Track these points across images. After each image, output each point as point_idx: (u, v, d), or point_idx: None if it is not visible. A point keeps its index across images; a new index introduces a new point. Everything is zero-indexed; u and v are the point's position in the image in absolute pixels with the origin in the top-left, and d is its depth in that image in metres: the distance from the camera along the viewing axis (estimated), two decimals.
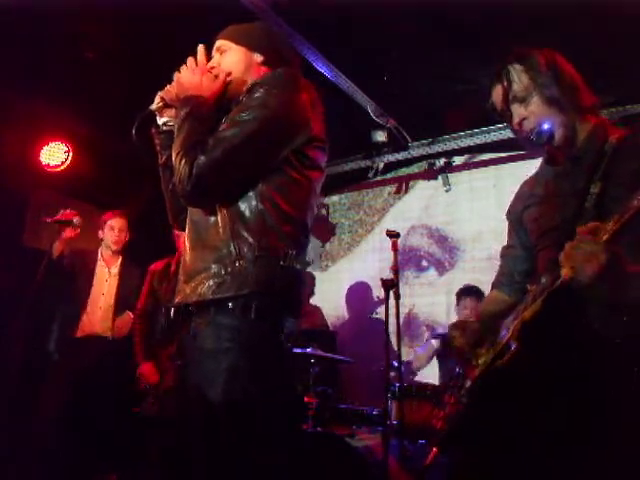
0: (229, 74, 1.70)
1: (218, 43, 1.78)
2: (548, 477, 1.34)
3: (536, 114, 1.49)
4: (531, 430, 1.37)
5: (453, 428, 1.45)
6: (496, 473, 1.42)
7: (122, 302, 3.95)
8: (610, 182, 1.37)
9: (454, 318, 4.48)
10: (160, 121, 1.76)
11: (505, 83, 1.52)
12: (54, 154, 4.53)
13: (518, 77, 1.51)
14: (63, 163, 4.54)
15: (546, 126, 1.48)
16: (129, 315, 3.90)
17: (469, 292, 4.06)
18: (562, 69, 1.51)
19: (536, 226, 1.56)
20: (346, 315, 5.30)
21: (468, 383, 1.46)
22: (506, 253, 1.73)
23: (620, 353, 1.31)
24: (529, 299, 1.37)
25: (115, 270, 4.05)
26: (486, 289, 4.57)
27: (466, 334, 1.54)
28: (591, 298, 1.29)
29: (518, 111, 1.52)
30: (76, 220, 3.71)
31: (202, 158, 1.45)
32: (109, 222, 4.03)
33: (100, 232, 4.04)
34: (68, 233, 3.71)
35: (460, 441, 1.49)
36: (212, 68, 1.72)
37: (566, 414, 1.33)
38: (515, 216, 1.68)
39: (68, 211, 3.72)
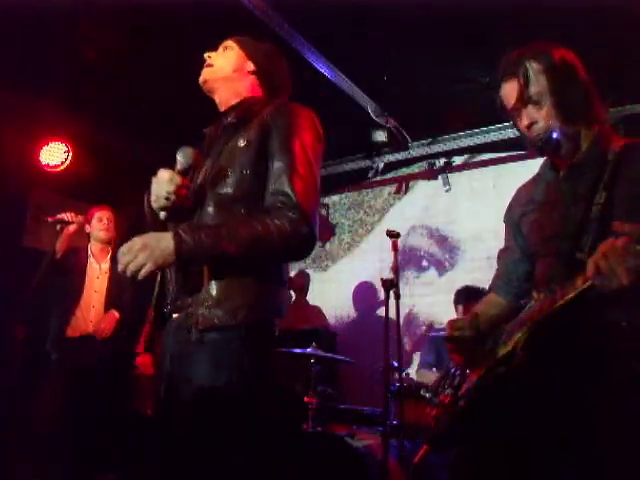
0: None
1: (228, 40, 1.88)
2: None
3: (547, 120, 1.45)
4: (538, 437, 1.35)
5: (448, 429, 1.44)
6: (496, 477, 1.41)
7: (113, 300, 3.91)
8: (615, 192, 1.34)
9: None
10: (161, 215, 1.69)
11: (522, 81, 1.46)
12: (54, 154, 4.52)
13: (536, 78, 1.45)
14: (63, 163, 4.53)
15: (555, 135, 1.44)
16: (114, 314, 3.84)
17: (475, 295, 4.01)
18: (579, 74, 1.47)
19: (536, 233, 1.53)
20: (346, 315, 5.30)
21: (465, 385, 1.44)
22: (503, 256, 1.71)
23: (632, 355, 1.29)
24: (535, 307, 1.33)
25: (105, 266, 4.01)
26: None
27: (465, 336, 1.52)
28: (612, 301, 1.24)
29: (530, 113, 1.47)
30: (78, 220, 3.73)
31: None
32: (97, 214, 4.02)
33: (87, 227, 4.00)
34: (70, 231, 3.71)
35: (456, 443, 1.48)
36: (209, 57, 1.84)
37: (576, 423, 1.31)
38: (512, 220, 1.66)
39: (70, 214, 3.72)
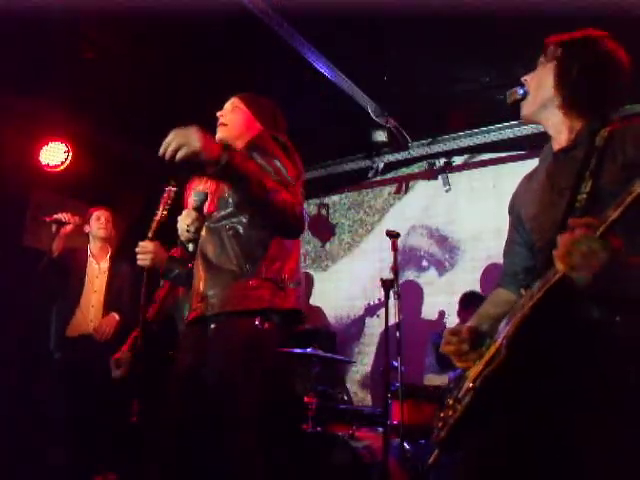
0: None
1: (235, 99, 2.20)
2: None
3: (527, 82, 1.56)
4: (525, 434, 1.37)
5: (452, 429, 1.44)
6: (491, 476, 1.42)
7: (112, 299, 3.94)
8: (600, 180, 1.33)
9: (455, 318, 4.47)
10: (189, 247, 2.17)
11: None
12: (54, 154, 4.53)
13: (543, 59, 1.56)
14: (63, 163, 4.54)
15: (520, 91, 1.56)
16: (114, 317, 3.86)
17: (473, 301, 4.05)
18: (582, 64, 1.47)
19: (532, 225, 1.53)
20: (346, 315, 5.30)
21: (466, 385, 1.44)
22: (508, 250, 1.69)
23: (616, 352, 1.29)
24: (519, 304, 1.35)
25: (105, 265, 4.05)
26: (486, 289, 4.55)
27: (463, 338, 1.51)
28: (587, 296, 1.26)
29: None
30: (74, 220, 3.75)
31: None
32: (95, 214, 4.07)
33: (87, 227, 4.04)
34: (66, 230, 3.73)
35: (459, 443, 1.49)
36: (221, 115, 2.14)
37: (561, 417, 1.32)
38: (515, 211, 1.65)
39: (67, 214, 3.73)
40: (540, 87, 1.51)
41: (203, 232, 2.04)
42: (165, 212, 2.18)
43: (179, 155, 1.61)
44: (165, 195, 2.21)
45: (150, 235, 2.20)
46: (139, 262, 2.19)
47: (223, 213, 1.99)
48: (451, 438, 1.45)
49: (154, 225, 2.19)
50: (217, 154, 1.64)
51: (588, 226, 1.13)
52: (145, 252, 2.18)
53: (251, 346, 1.87)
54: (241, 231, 1.95)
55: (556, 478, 1.34)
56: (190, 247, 2.09)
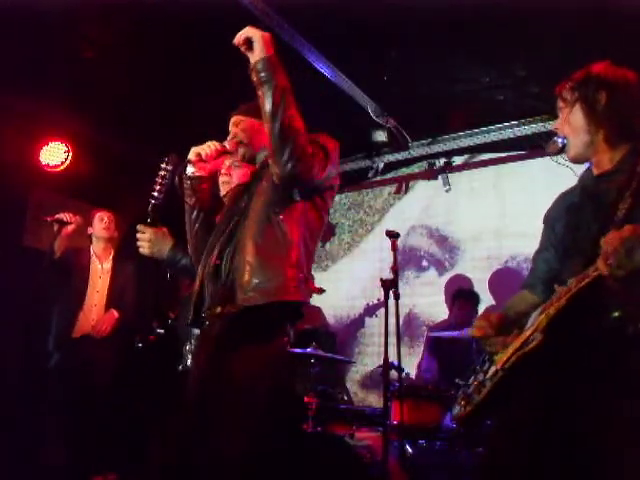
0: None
1: (233, 118, 2.16)
2: (567, 464, 1.40)
3: (559, 130, 1.67)
4: (550, 417, 1.44)
5: (476, 409, 1.55)
6: (515, 457, 1.48)
7: (114, 299, 3.95)
8: (639, 200, 1.43)
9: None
10: (189, 171, 2.06)
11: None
12: (54, 154, 4.53)
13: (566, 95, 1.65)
14: (63, 163, 4.54)
15: (557, 139, 1.66)
16: (113, 314, 3.88)
17: (467, 296, 4.07)
18: (605, 93, 1.57)
19: (566, 236, 1.63)
20: (346, 315, 5.31)
21: (493, 368, 1.54)
22: (538, 256, 1.80)
23: (636, 348, 1.36)
24: (555, 297, 1.45)
25: (107, 266, 4.06)
26: (486, 288, 4.57)
27: (492, 324, 1.62)
28: (623, 293, 1.33)
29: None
30: (76, 220, 3.75)
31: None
32: (98, 215, 4.08)
33: (89, 228, 4.06)
34: (68, 230, 3.74)
35: (480, 422, 1.61)
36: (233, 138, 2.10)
37: (587, 407, 1.39)
38: (549, 222, 1.76)
39: (68, 214, 3.74)
40: (575, 130, 1.62)
41: (247, 218, 1.93)
42: (162, 193, 2.00)
43: (243, 34, 1.81)
44: (160, 174, 2.04)
45: (149, 220, 2.05)
46: (140, 250, 2.08)
47: (272, 197, 1.88)
48: (473, 417, 1.56)
49: (151, 208, 2.03)
50: (270, 48, 1.84)
51: (634, 230, 1.22)
52: (142, 239, 2.07)
53: (280, 350, 1.83)
54: (289, 219, 1.87)
55: (572, 470, 1.39)
56: (190, 170, 2.03)
